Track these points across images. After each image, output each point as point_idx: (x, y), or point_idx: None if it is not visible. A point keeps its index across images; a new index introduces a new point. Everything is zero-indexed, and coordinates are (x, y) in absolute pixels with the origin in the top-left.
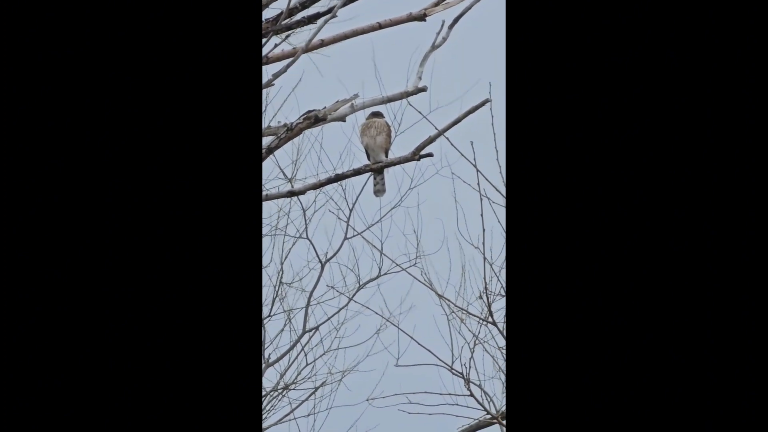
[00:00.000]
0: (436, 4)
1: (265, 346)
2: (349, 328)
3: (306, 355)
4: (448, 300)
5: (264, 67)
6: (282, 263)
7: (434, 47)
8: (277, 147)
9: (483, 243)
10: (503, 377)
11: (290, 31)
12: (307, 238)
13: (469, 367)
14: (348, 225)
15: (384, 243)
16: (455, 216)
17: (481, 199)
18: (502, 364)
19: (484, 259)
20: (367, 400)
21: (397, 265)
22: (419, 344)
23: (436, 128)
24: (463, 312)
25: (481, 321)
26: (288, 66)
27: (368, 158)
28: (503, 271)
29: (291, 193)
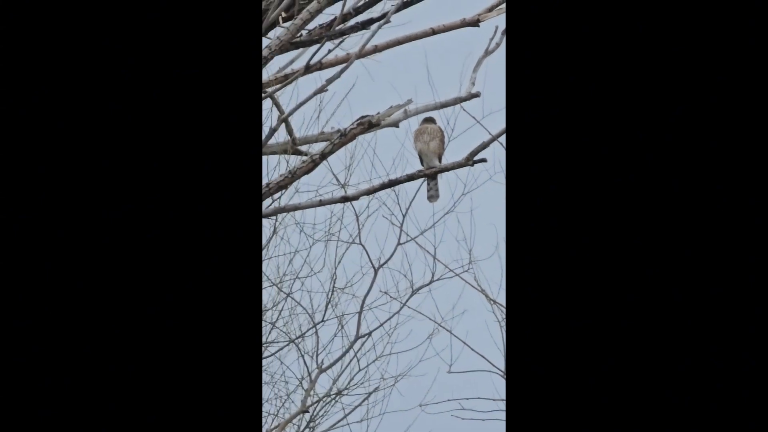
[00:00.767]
0: (490, 10)
1: (318, 351)
2: (402, 334)
3: (359, 361)
4: (501, 305)
5: (318, 73)
6: (335, 268)
7: (487, 53)
8: (331, 152)
9: None
10: None
11: (344, 37)
12: (360, 243)
13: None
14: (401, 230)
15: (437, 248)
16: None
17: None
18: None
19: None
20: (420, 405)
21: (450, 270)
22: (472, 349)
23: (489, 133)
24: None
25: None
26: (341, 72)
27: (421, 163)
28: None
29: (344, 199)
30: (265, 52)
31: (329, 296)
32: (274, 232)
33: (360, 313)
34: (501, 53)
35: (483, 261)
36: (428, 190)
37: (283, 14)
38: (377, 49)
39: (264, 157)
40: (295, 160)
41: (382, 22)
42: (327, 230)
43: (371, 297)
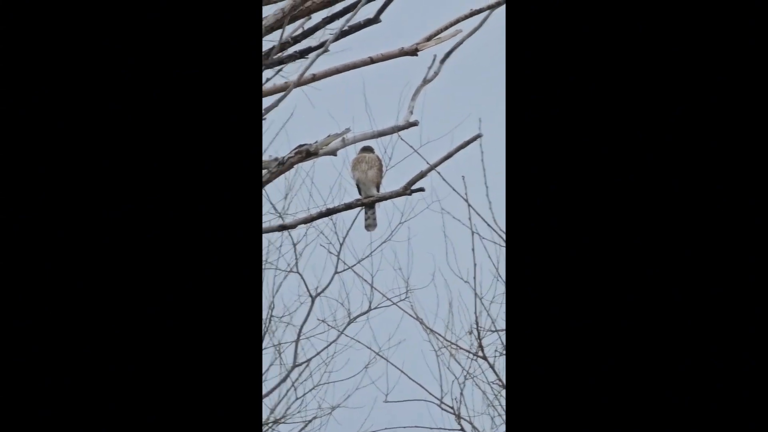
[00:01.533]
0: (428, 39)
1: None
2: (339, 362)
3: (296, 390)
4: (438, 334)
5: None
6: (273, 297)
7: (426, 82)
8: (269, 181)
9: (474, 277)
10: (493, 412)
11: (282, 65)
12: (298, 272)
13: (460, 402)
14: (338, 259)
15: (374, 277)
16: (445, 250)
17: (472, 234)
18: (493, 399)
19: (475, 293)
20: None
21: (388, 299)
22: (410, 378)
23: (427, 162)
24: (453, 346)
25: (471, 355)
26: (280, 100)
27: (359, 192)
28: (493, 306)
29: (282, 227)
30: None
31: (266, 324)
32: None
33: (297, 341)
34: (439, 82)
35: (420, 290)
36: (366, 219)
37: None
38: (315, 78)
39: None
40: None
41: (320, 50)
42: (265, 259)
43: (308, 325)
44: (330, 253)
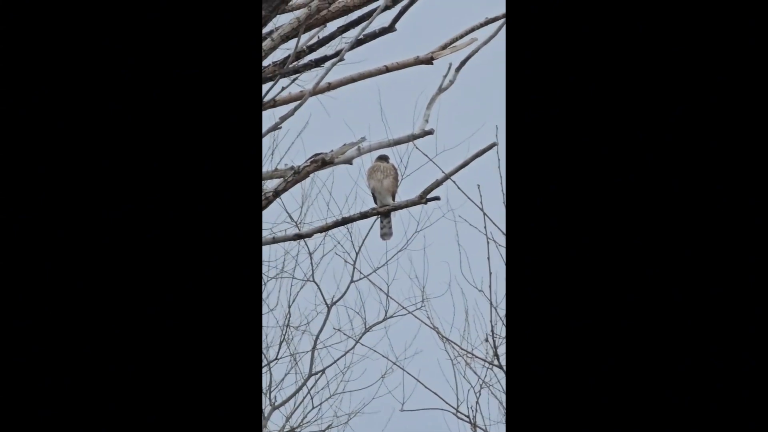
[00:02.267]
0: (443, 48)
1: (272, 389)
2: (356, 372)
3: (312, 398)
4: (454, 343)
5: (272, 110)
6: (289, 306)
7: (441, 90)
8: (284, 190)
9: (489, 286)
10: None
11: (297, 74)
12: (314, 281)
13: (476, 410)
14: (354, 268)
15: (390, 286)
16: (460, 259)
17: (488, 243)
18: None
19: (490, 302)
20: None
21: (403, 308)
22: (426, 387)
23: (442, 171)
24: (469, 355)
25: (486, 364)
26: (295, 109)
27: (375, 201)
28: None
29: (298, 236)
30: None
31: (283, 333)
32: None
33: (313, 350)
34: (455, 91)
35: (436, 299)
36: (381, 228)
37: None
38: (331, 87)
39: None
40: None
41: (336, 59)
42: (281, 268)
43: (325, 334)
44: (346, 262)
